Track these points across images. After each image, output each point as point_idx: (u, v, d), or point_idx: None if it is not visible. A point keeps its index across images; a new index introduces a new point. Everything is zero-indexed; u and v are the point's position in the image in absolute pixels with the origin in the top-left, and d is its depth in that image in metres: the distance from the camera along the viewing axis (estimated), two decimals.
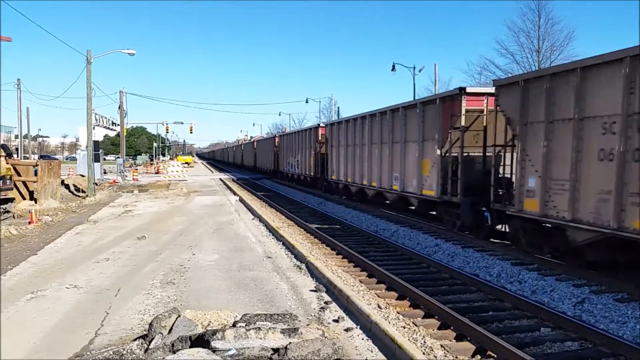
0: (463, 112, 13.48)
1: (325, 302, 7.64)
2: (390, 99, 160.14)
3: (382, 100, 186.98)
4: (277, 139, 43.56)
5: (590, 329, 6.69)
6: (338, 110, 63.10)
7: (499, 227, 12.73)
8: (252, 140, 68.85)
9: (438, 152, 14.54)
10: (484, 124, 13.47)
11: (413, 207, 17.50)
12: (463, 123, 13.52)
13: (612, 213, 8.44)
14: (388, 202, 19.23)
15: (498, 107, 12.01)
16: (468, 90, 13.63)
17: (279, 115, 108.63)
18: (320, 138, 28.77)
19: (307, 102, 64.81)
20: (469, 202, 13.27)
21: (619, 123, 8.41)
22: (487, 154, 13.12)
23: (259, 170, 53.40)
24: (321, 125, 29.85)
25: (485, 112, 13.57)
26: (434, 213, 16.09)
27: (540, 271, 9.67)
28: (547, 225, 10.40)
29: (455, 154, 13.94)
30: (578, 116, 9.30)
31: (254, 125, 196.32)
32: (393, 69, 40.58)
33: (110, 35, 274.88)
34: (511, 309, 7.88)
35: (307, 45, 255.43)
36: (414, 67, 40.86)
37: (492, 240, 12.69)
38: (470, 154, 13.74)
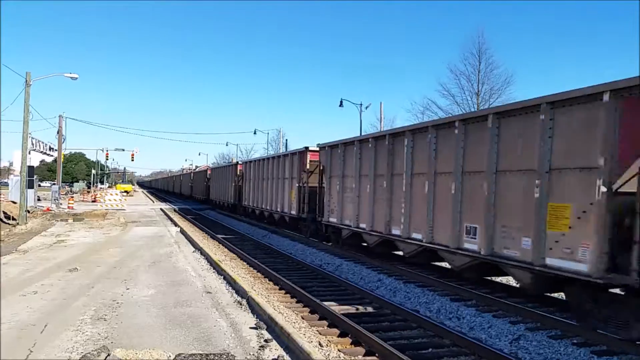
0: (308, 161, 21.47)
1: (265, 340, 7.44)
2: (338, 133, 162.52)
3: (330, 134, 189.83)
4: (209, 172, 51.22)
5: None
6: (286, 143, 63.56)
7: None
8: (191, 171, 72.55)
9: (297, 185, 22.12)
10: (311, 169, 21.30)
11: (287, 223, 23.96)
12: (308, 167, 21.42)
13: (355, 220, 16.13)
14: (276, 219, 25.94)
15: (319, 161, 19.68)
16: (310, 148, 21.56)
17: (227, 145, 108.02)
18: (238, 173, 35.51)
19: (255, 133, 64.51)
20: (311, 217, 20.58)
21: (356, 177, 16.07)
22: (320, 187, 19.65)
23: (195, 199, 59.10)
24: (239, 162, 36.98)
25: (308, 162, 21.66)
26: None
27: (478, 307, 9.86)
28: (338, 227, 17.41)
29: (305, 187, 21.33)
30: (344, 173, 17.13)
31: (199, 154, 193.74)
32: (341, 104, 41.43)
33: (51, 59, 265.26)
34: (450, 346, 7.94)
35: (257, 77, 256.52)
36: (361, 104, 41.89)
37: (324, 242, 19.32)
38: (313, 187, 20.61)
